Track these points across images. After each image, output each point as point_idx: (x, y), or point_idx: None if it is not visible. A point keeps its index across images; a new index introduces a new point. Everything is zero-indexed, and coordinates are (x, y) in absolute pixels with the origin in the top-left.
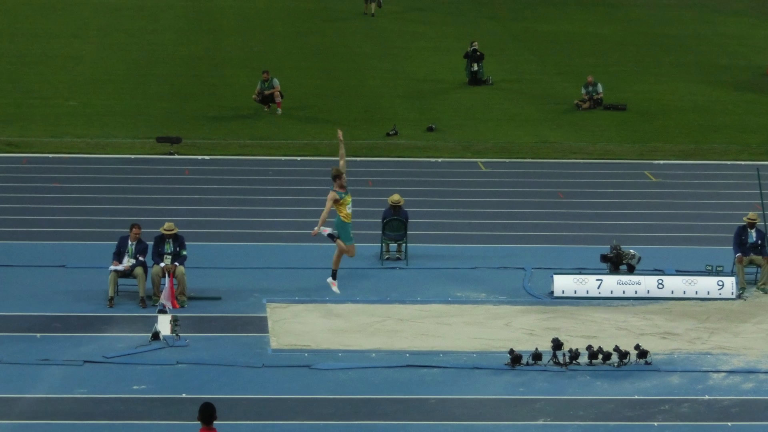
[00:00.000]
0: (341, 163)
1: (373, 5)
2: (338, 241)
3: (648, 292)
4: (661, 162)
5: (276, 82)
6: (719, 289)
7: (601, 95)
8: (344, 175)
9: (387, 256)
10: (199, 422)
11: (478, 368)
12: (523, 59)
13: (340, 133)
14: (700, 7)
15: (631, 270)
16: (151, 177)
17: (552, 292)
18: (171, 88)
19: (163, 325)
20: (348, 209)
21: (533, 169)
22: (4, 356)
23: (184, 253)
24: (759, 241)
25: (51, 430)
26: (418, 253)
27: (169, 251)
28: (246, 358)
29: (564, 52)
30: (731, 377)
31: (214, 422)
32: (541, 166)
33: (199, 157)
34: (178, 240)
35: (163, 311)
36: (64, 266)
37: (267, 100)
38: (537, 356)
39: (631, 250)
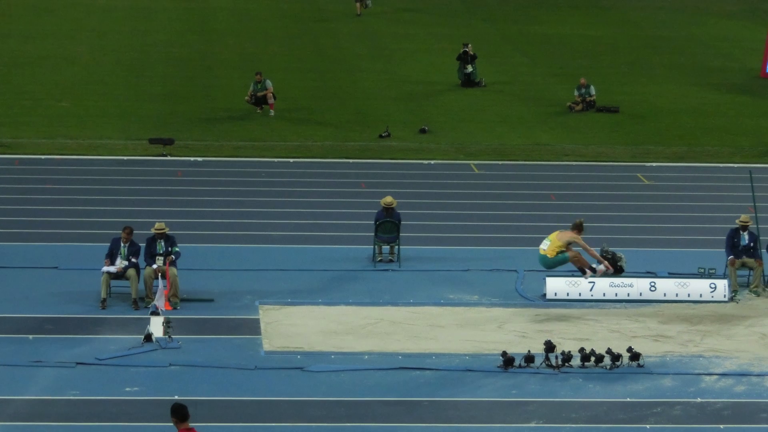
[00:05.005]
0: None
1: (360, 5)
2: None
3: (640, 294)
4: (654, 164)
5: (269, 83)
6: (711, 292)
7: (594, 97)
8: (581, 227)
9: (379, 258)
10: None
11: (470, 370)
12: (516, 61)
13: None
14: (692, 9)
15: (619, 272)
16: (144, 178)
17: (545, 295)
18: (164, 90)
19: (156, 326)
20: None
21: (526, 171)
22: None
23: (177, 249)
24: (751, 244)
25: None
26: (410, 255)
27: (161, 251)
28: (238, 360)
29: (557, 54)
30: (723, 380)
31: (194, 424)
32: (533, 168)
33: (192, 159)
34: (170, 240)
35: (155, 313)
36: (56, 268)
37: (260, 101)
38: (529, 359)
39: (620, 253)
